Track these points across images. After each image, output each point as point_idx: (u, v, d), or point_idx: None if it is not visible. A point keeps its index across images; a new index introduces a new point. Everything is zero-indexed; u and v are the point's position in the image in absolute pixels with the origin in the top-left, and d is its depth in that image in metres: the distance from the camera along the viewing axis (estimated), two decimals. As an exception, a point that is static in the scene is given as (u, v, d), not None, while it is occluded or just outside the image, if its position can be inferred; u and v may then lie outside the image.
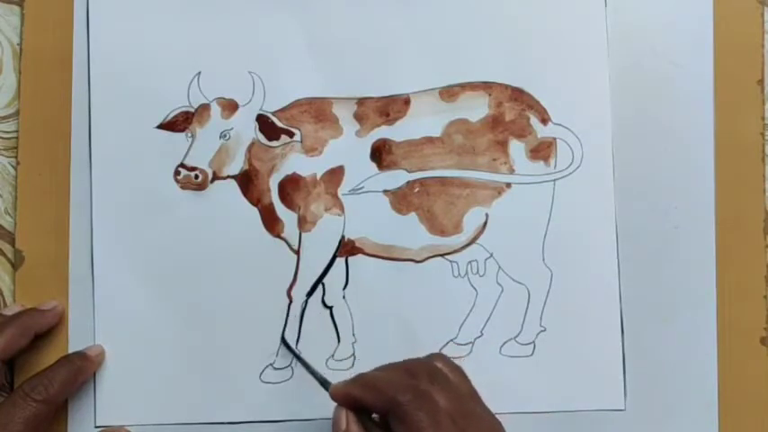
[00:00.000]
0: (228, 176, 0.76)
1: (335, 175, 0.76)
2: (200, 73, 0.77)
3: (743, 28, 0.77)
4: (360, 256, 0.77)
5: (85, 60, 0.77)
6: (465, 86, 0.77)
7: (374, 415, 0.65)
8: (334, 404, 0.66)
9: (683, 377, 0.76)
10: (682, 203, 0.76)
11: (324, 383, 0.70)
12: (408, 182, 0.76)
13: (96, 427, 0.76)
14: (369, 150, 0.77)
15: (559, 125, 0.77)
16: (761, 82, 0.77)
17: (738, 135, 0.77)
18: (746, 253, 0.76)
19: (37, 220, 0.77)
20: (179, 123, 0.76)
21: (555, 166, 0.77)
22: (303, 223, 0.76)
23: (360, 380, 0.65)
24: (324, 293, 0.76)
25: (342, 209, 0.76)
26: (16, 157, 0.77)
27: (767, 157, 0.77)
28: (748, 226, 0.76)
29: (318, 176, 0.76)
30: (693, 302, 0.76)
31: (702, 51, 0.77)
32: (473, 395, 0.67)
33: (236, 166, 0.76)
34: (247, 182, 0.76)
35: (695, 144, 0.77)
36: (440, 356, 0.69)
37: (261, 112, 0.77)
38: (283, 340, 0.76)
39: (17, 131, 0.77)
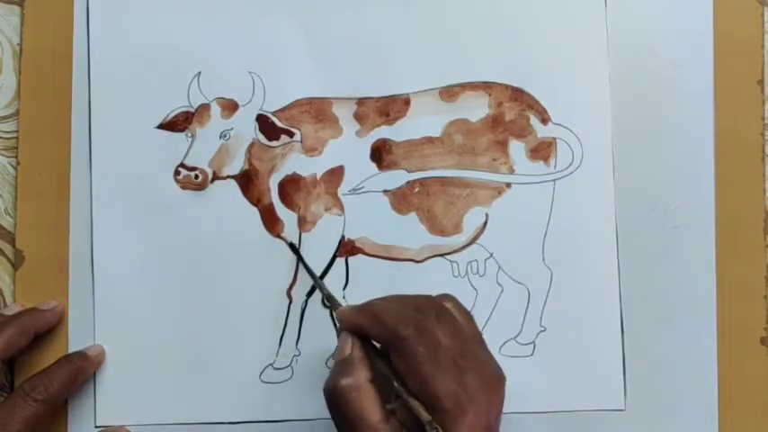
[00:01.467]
0: (228, 176, 0.76)
1: (335, 175, 0.76)
2: (200, 73, 0.77)
3: (743, 28, 0.77)
4: (360, 256, 0.76)
5: (85, 60, 0.77)
6: (465, 86, 0.77)
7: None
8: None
9: (683, 377, 0.76)
10: (682, 203, 0.76)
11: (330, 300, 0.72)
12: (408, 182, 0.76)
13: (96, 426, 0.76)
14: (369, 150, 0.77)
15: (559, 125, 0.77)
16: (761, 82, 0.77)
17: (738, 135, 0.77)
18: (746, 253, 0.76)
19: (37, 220, 0.77)
20: (179, 123, 0.76)
21: (555, 166, 0.77)
22: (303, 223, 0.76)
23: (366, 309, 0.66)
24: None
25: (342, 209, 0.76)
26: (16, 157, 0.77)
27: (767, 157, 0.77)
28: (748, 226, 0.76)
29: (318, 176, 0.76)
30: (693, 302, 0.76)
31: (702, 51, 0.77)
32: (478, 339, 0.67)
33: (236, 165, 0.76)
34: (247, 182, 0.76)
35: (695, 144, 0.77)
36: (450, 297, 0.69)
37: (261, 112, 0.77)
38: (291, 246, 0.77)
39: (17, 131, 0.77)
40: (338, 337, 0.67)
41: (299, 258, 0.76)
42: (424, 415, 0.59)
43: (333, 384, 0.63)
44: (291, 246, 0.76)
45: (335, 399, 0.63)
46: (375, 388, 0.63)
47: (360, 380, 0.63)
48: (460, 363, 0.62)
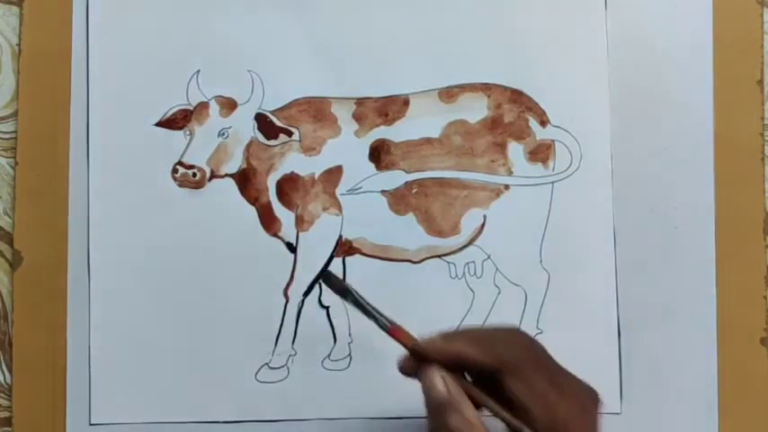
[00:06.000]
0: (226, 175, 0.76)
1: (333, 174, 0.76)
2: (199, 71, 0.77)
3: (743, 28, 0.77)
4: (357, 256, 0.76)
5: (84, 60, 0.77)
6: (464, 87, 0.77)
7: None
8: (399, 371, 0.61)
9: (683, 378, 0.75)
10: (682, 203, 0.76)
11: (383, 325, 0.62)
12: (407, 182, 0.76)
13: (91, 424, 0.76)
14: (367, 150, 0.77)
15: (558, 127, 0.77)
16: (761, 82, 0.77)
17: (738, 135, 0.76)
18: (746, 253, 0.76)
19: (35, 221, 0.77)
20: (177, 121, 0.76)
21: (553, 168, 0.77)
22: (301, 223, 0.76)
23: (461, 335, 0.60)
24: (320, 293, 0.76)
25: (339, 209, 0.76)
26: (15, 158, 0.77)
27: (767, 158, 0.76)
28: (748, 226, 0.76)
29: (316, 176, 0.76)
30: (693, 302, 0.76)
31: (702, 52, 0.77)
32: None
33: (234, 164, 0.76)
34: (245, 180, 0.76)
35: (695, 144, 0.76)
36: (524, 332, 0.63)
37: (260, 111, 0.77)
38: (327, 278, 0.75)
39: (16, 132, 0.77)
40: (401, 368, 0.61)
41: (326, 278, 0.75)
42: None
43: (442, 427, 0.57)
44: (289, 246, 0.76)
45: None
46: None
47: (471, 416, 0.57)
48: (567, 383, 0.59)
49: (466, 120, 0.77)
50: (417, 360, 0.59)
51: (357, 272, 0.76)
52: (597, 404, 0.60)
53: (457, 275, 0.76)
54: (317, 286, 0.76)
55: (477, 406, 0.58)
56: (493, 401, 0.58)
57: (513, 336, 0.61)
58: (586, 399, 0.59)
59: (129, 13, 0.78)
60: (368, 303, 0.63)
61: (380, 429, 0.75)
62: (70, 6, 0.78)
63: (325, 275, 0.76)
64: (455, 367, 0.58)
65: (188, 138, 0.76)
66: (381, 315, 0.62)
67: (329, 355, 0.76)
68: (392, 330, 0.61)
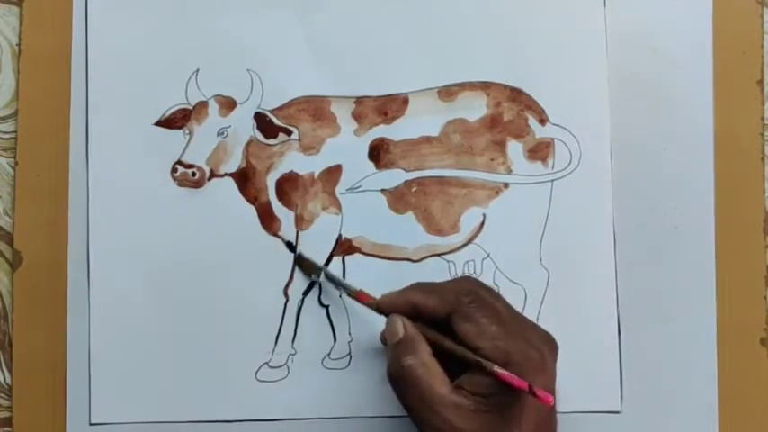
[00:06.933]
0: (226, 174, 0.76)
1: (333, 173, 0.76)
2: (198, 70, 0.77)
3: (743, 28, 0.77)
4: (357, 255, 0.76)
5: (84, 60, 0.77)
6: (463, 86, 0.77)
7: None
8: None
9: (682, 378, 0.75)
10: (681, 204, 0.76)
11: (349, 292, 0.73)
12: (406, 181, 0.76)
13: (91, 424, 0.76)
14: (367, 149, 0.76)
15: (558, 126, 0.76)
16: (761, 82, 0.76)
17: (738, 135, 0.76)
18: (746, 253, 0.76)
19: (35, 221, 0.77)
20: (176, 120, 0.76)
21: (553, 166, 0.76)
22: (300, 222, 0.76)
23: (416, 287, 0.69)
24: (320, 292, 0.76)
25: (339, 208, 0.76)
26: (15, 158, 0.77)
27: (767, 158, 0.76)
28: (748, 226, 0.76)
29: (316, 175, 0.76)
30: (693, 303, 0.75)
31: (702, 52, 0.77)
32: (517, 311, 0.69)
33: (233, 163, 0.76)
34: (245, 180, 0.76)
35: (695, 144, 0.76)
36: (476, 279, 0.71)
37: (259, 110, 0.76)
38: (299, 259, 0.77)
39: (15, 132, 0.77)
40: (381, 338, 0.70)
41: (299, 260, 0.76)
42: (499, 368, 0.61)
43: (398, 366, 0.65)
44: (289, 245, 0.76)
45: (403, 379, 0.64)
46: (437, 362, 0.65)
47: (423, 356, 0.65)
48: (519, 327, 0.66)
49: (465, 118, 0.77)
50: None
51: (357, 271, 0.76)
52: (553, 349, 0.67)
53: (456, 274, 0.76)
54: (316, 285, 0.76)
55: (436, 349, 0.65)
56: (449, 341, 0.65)
57: (462, 284, 0.68)
58: (539, 341, 0.65)
59: (129, 12, 0.77)
60: (337, 277, 0.75)
61: (380, 428, 0.76)
62: (70, 6, 0.77)
63: (297, 258, 0.76)
64: (413, 316, 0.67)
65: (187, 137, 0.76)
66: (349, 286, 0.73)
67: (329, 354, 0.76)
68: (359, 296, 0.71)
